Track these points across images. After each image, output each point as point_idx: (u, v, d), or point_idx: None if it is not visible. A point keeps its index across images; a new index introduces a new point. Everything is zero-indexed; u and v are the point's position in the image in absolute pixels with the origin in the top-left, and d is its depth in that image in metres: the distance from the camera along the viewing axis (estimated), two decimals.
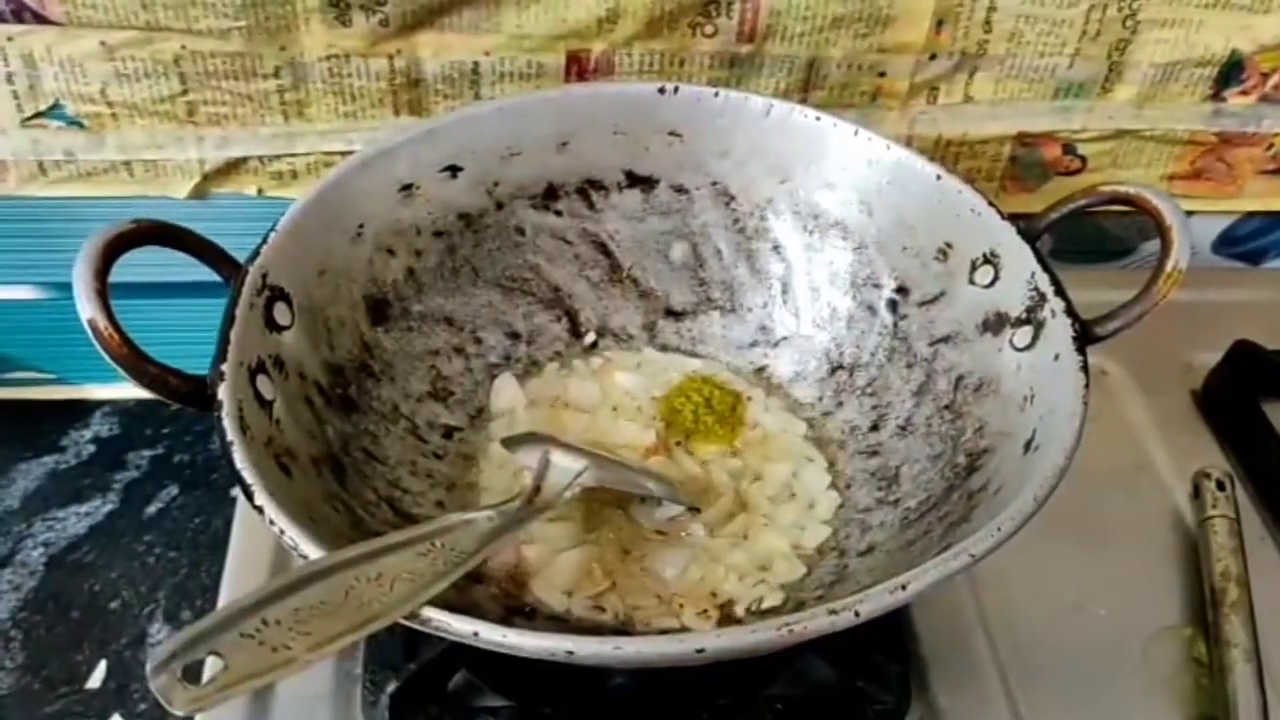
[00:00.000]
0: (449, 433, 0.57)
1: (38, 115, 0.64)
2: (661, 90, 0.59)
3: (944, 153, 0.72)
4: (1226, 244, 0.81)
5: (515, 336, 0.61)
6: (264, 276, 0.48)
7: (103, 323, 0.43)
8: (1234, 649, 0.54)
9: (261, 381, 0.47)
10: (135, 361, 0.43)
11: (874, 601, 0.39)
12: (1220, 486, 0.60)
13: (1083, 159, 0.75)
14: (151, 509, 0.72)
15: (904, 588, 0.39)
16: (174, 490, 0.73)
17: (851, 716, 0.53)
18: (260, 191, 0.69)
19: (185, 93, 0.64)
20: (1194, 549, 0.61)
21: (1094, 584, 0.59)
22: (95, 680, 0.62)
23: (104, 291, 0.43)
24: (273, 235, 0.50)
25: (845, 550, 0.54)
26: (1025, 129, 0.72)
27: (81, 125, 0.65)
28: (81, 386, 0.78)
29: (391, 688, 0.50)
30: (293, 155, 0.68)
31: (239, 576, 0.58)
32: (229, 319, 0.46)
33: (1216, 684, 0.54)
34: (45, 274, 0.72)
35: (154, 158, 0.67)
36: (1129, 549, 0.61)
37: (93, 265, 0.43)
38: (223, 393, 0.43)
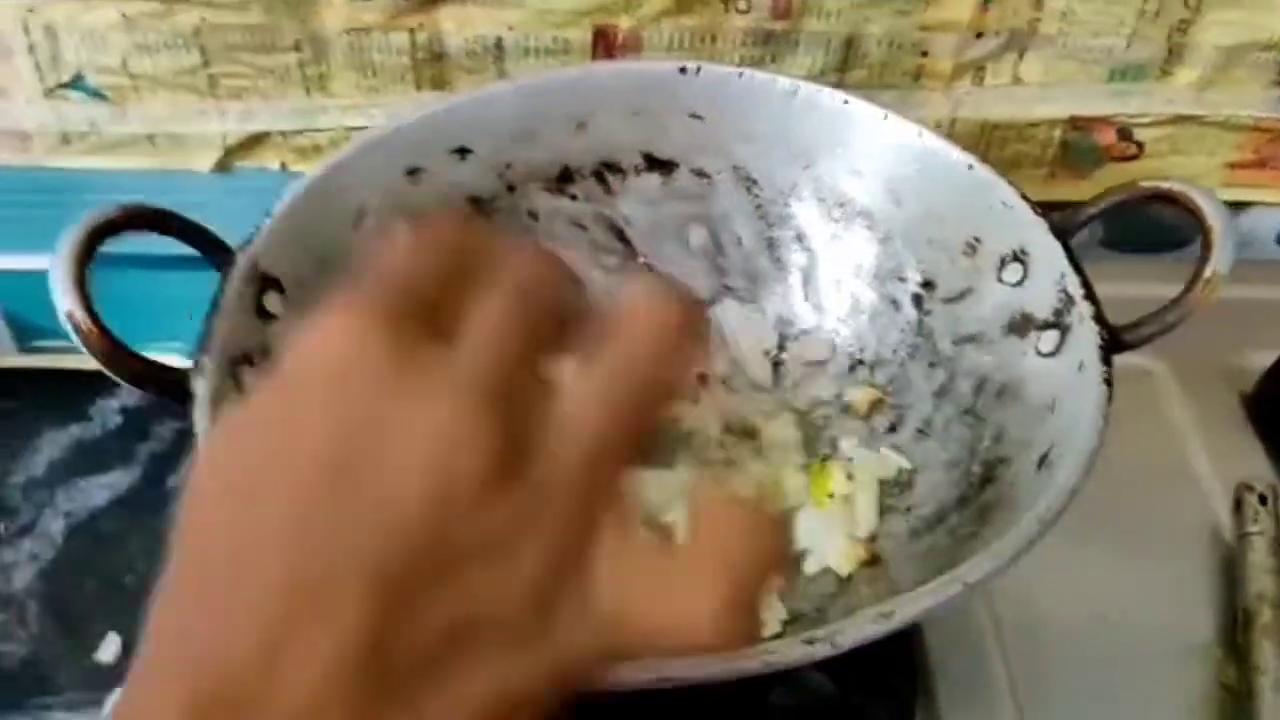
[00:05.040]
0: None
1: (60, 86, 0.64)
2: (683, 70, 0.57)
3: (990, 137, 0.69)
4: None
5: None
6: (255, 264, 0.47)
7: (80, 315, 0.42)
8: (1263, 676, 0.51)
9: (245, 373, 0.46)
10: (115, 355, 0.43)
11: (854, 633, 0.37)
12: (1263, 501, 0.57)
13: (1140, 145, 0.71)
14: (173, 481, 0.72)
15: (888, 616, 0.37)
16: None
17: None
18: (284, 166, 0.68)
19: (206, 65, 0.63)
20: (1231, 566, 0.57)
21: (1121, 597, 0.56)
22: (105, 653, 0.62)
23: (84, 281, 0.43)
24: (267, 222, 0.48)
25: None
26: (1078, 113, 0.69)
27: (104, 97, 0.64)
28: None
29: None
30: (315, 130, 0.67)
31: None
32: (214, 308, 0.45)
33: (1243, 712, 0.51)
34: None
35: (177, 130, 0.66)
36: (1161, 561, 0.58)
37: (73, 253, 0.43)
38: (198, 385, 0.43)
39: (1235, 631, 0.55)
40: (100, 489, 0.71)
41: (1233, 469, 0.61)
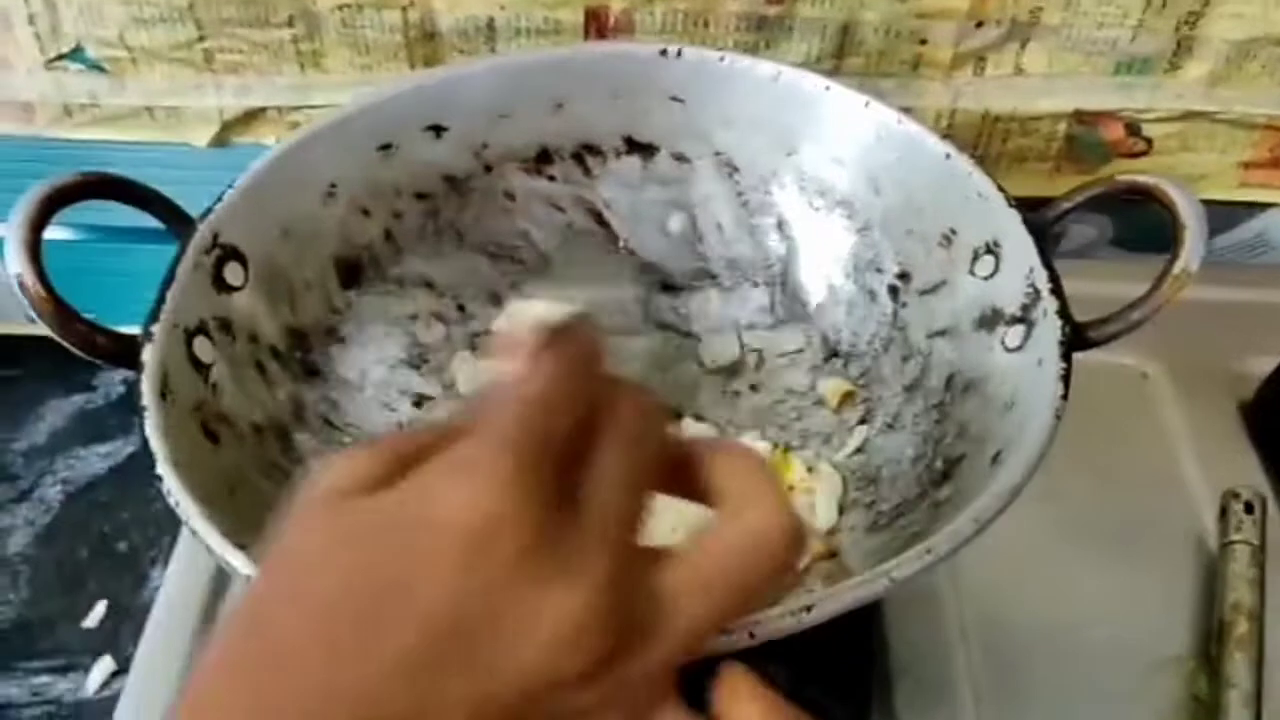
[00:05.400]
0: (420, 401, 0.56)
1: (60, 57, 0.65)
2: (664, 52, 0.56)
3: (992, 129, 0.68)
4: None
5: (501, 305, 0.59)
6: (215, 235, 0.48)
7: (30, 279, 0.43)
8: (1232, 689, 0.49)
9: (200, 344, 0.46)
10: (63, 320, 0.43)
11: (770, 625, 0.36)
12: (1249, 509, 0.55)
13: (1148, 141, 0.69)
14: None
15: (807, 610, 0.37)
16: None
17: None
18: (279, 141, 0.68)
19: (202, 39, 0.64)
20: (1212, 575, 0.56)
21: (1097, 603, 0.55)
22: (92, 620, 0.63)
23: (36, 245, 0.43)
24: (229, 193, 0.49)
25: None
26: (1083, 106, 0.67)
27: (103, 69, 0.65)
28: (116, 327, 0.79)
29: None
30: (310, 106, 0.67)
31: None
32: (169, 278, 0.46)
33: None
34: (77, 215, 0.72)
35: (174, 104, 0.67)
36: (1143, 568, 0.57)
37: (28, 218, 0.43)
38: (147, 354, 0.43)
39: (1210, 642, 0.53)
40: (100, 458, 0.72)
41: (1224, 476, 0.59)
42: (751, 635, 0.36)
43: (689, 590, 0.26)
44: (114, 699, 0.58)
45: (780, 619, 0.36)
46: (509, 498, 0.24)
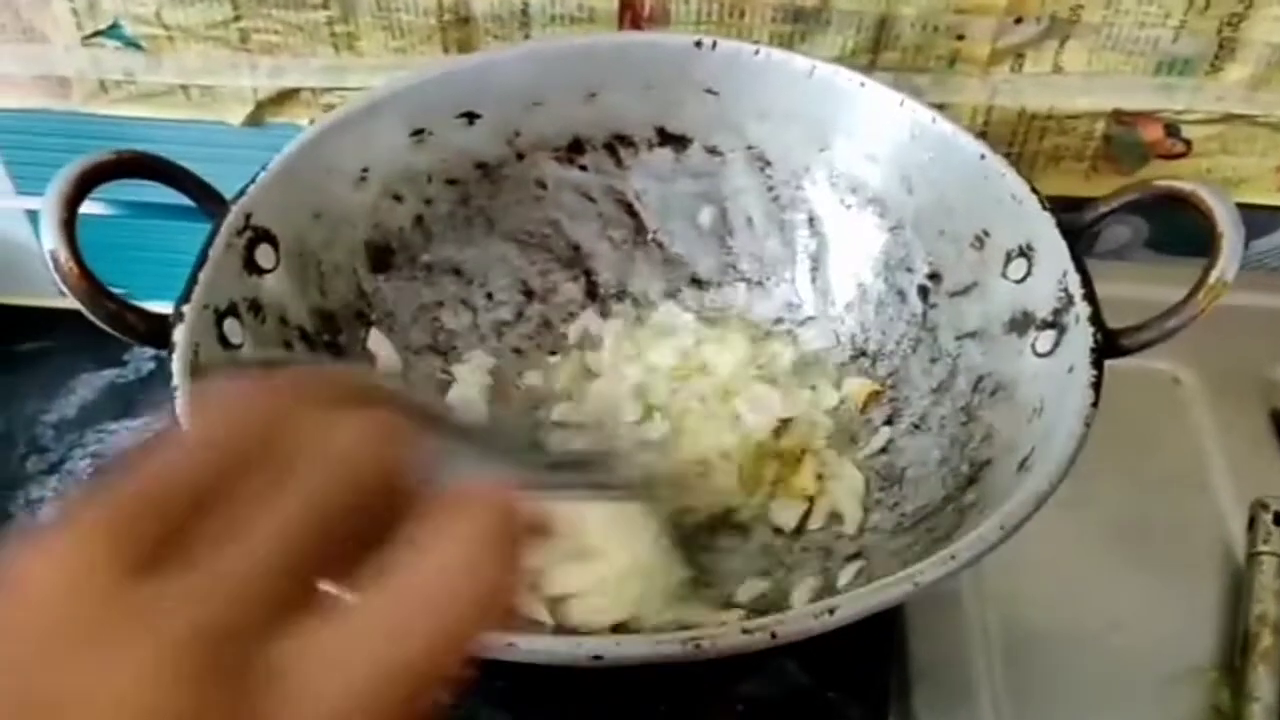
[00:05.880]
0: (444, 388, 0.56)
1: (97, 34, 0.65)
2: (698, 44, 0.56)
3: (1028, 127, 0.67)
4: None
5: (529, 294, 0.59)
6: (248, 217, 0.48)
7: (64, 255, 0.43)
8: (1255, 703, 0.49)
9: (230, 325, 0.46)
10: (94, 297, 0.44)
11: (793, 624, 0.36)
12: (1277, 520, 0.54)
13: (1188, 143, 0.68)
14: None
15: (831, 612, 0.37)
16: None
17: None
18: (313, 123, 0.68)
19: (238, 19, 0.64)
20: (1239, 585, 0.55)
21: (1120, 610, 0.54)
22: None
23: (71, 223, 0.44)
24: (262, 175, 0.49)
25: (832, 552, 0.51)
26: (1121, 106, 0.66)
27: (139, 46, 0.65)
28: (148, 302, 0.79)
29: None
30: (344, 88, 0.67)
31: None
32: (201, 258, 0.46)
33: None
34: (114, 191, 0.73)
35: (209, 83, 0.67)
36: (1169, 577, 0.56)
37: (62, 195, 0.44)
38: (178, 334, 0.43)
39: (1234, 654, 0.52)
40: (129, 433, 0.73)
41: (1253, 485, 0.58)
42: (774, 635, 0.36)
43: (327, 661, 0.20)
44: None
45: (804, 620, 0.36)
46: (65, 575, 0.20)
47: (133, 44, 0.65)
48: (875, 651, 0.52)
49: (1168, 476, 0.60)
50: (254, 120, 0.68)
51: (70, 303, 0.80)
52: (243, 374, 0.23)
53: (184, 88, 0.67)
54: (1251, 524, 0.56)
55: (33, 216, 0.75)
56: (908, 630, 0.53)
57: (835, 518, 0.52)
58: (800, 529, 0.52)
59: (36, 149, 0.71)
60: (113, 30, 0.65)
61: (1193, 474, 0.60)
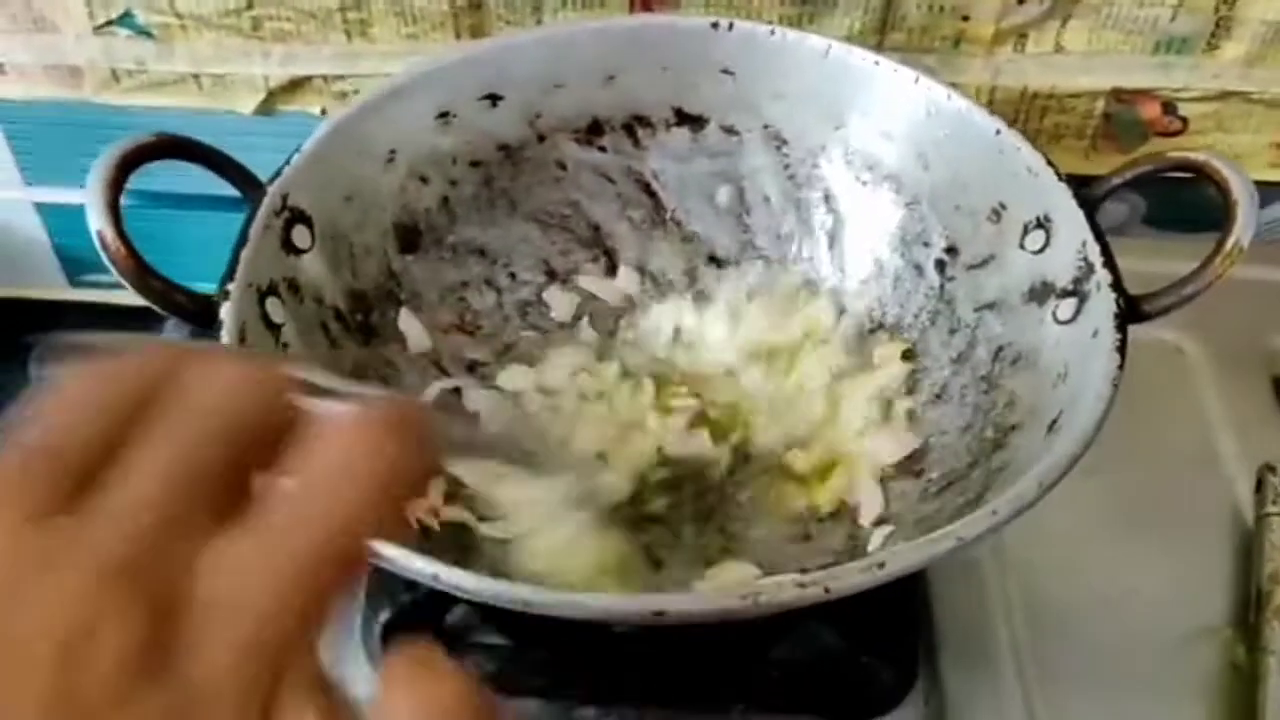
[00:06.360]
0: (472, 366, 0.57)
1: (109, 23, 0.65)
2: (715, 25, 0.57)
3: (1030, 106, 0.68)
4: None
5: (551, 274, 0.60)
6: (284, 198, 0.48)
7: (110, 235, 0.43)
8: (1271, 656, 0.51)
9: (271, 304, 0.47)
10: (140, 276, 0.44)
11: (847, 579, 0.37)
12: None
13: (1184, 120, 0.69)
14: None
15: (881, 566, 0.38)
16: None
17: (851, 688, 0.51)
18: (324, 111, 0.69)
19: (250, 7, 0.64)
20: (1249, 547, 0.57)
21: (1135, 575, 0.56)
22: None
23: (116, 204, 0.44)
24: (296, 157, 0.49)
25: (859, 517, 0.52)
26: (1121, 84, 0.68)
27: (151, 35, 0.66)
28: None
29: (385, 617, 0.50)
30: (356, 76, 0.67)
31: None
32: (242, 239, 0.46)
33: (1250, 692, 0.51)
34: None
35: (221, 71, 0.67)
36: (1179, 541, 0.58)
37: (107, 176, 0.44)
38: (225, 312, 0.44)
39: (1248, 612, 0.54)
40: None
41: (1258, 450, 0.60)
42: (827, 590, 0.37)
43: (245, 566, 0.21)
44: None
45: (855, 574, 0.37)
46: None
47: (144, 32, 0.66)
48: (903, 617, 0.53)
49: (1175, 444, 0.62)
50: (265, 109, 0.69)
51: (76, 294, 0.81)
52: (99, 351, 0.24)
53: (195, 76, 0.68)
54: (1259, 487, 0.58)
55: (41, 209, 0.76)
56: (931, 598, 0.55)
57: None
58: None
59: (45, 140, 0.71)
60: (125, 19, 0.65)
61: (1199, 441, 0.62)
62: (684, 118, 0.59)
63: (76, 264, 0.79)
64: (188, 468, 0.22)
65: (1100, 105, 0.69)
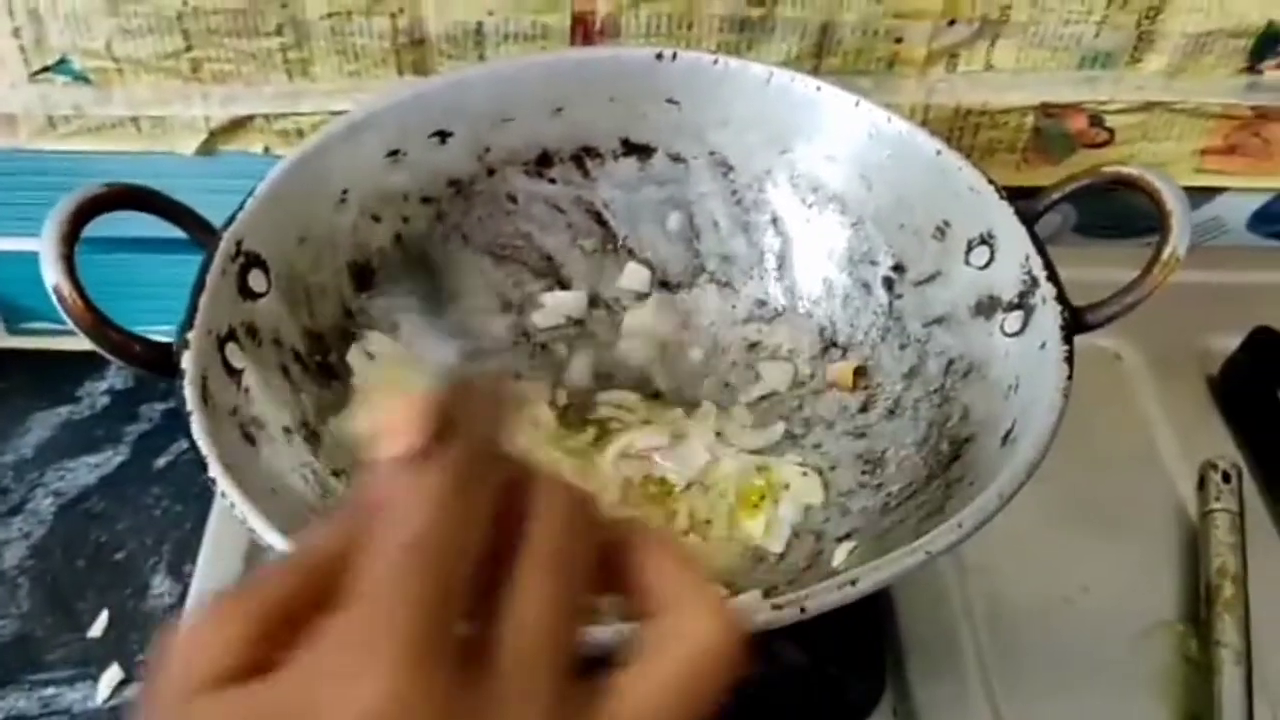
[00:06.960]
0: None
1: (45, 70, 0.64)
2: (659, 56, 0.58)
3: (963, 123, 0.70)
4: (1262, 222, 0.78)
5: (507, 305, 0.61)
6: (239, 243, 0.48)
7: (67, 289, 0.43)
8: (1224, 649, 0.52)
9: (231, 350, 0.47)
10: (99, 329, 0.44)
11: (821, 598, 0.38)
12: (1226, 479, 0.58)
13: (1110, 131, 0.72)
14: (161, 461, 0.73)
15: (853, 584, 0.39)
16: (184, 444, 0.73)
17: (820, 702, 0.52)
18: (267, 150, 0.69)
19: (189, 49, 0.64)
20: (1195, 543, 0.59)
21: (1087, 575, 0.58)
22: (97, 629, 0.63)
23: (70, 256, 0.44)
24: (250, 201, 0.49)
25: (823, 534, 0.53)
26: (1049, 99, 0.70)
27: (88, 80, 0.65)
28: None
29: None
30: (298, 114, 0.67)
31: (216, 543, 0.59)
32: (199, 286, 0.46)
33: (1205, 684, 0.53)
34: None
35: (160, 114, 0.67)
36: (1128, 540, 0.60)
37: (61, 230, 0.44)
38: (186, 361, 0.44)
39: (1198, 606, 0.56)
40: (89, 469, 0.72)
41: (1198, 449, 0.62)
42: (803, 610, 0.38)
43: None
44: (123, 707, 0.59)
45: (829, 592, 0.38)
46: (406, 685, 0.21)
47: (81, 78, 0.65)
48: (868, 629, 0.54)
49: (1118, 447, 0.64)
50: (206, 149, 0.68)
51: (15, 342, 0.79)
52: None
53: (134, 120, 0.67)
54: (1202, 484, 0.60)
55: None
56: (897, 608, 0.56)
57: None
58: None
59: None
60: (61, 65, 0.64)
61: (1142, 442, 0.64)
62: (631, 147, 0.60)
63: (14, 311, 0.78)
64: (568, 604, 0.24)
65: (1030, 120, 0.71)
